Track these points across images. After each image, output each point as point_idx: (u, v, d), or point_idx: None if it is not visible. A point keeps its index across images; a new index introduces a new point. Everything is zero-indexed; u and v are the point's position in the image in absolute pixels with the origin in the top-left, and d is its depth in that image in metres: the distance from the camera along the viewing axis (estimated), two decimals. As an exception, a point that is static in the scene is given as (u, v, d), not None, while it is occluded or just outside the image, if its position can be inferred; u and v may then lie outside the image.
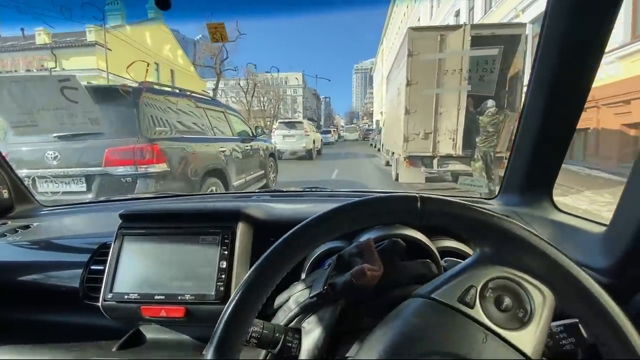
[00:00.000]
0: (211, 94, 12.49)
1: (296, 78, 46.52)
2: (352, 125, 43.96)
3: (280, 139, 10.92)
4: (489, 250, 0.35)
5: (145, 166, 2.54)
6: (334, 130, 25.28)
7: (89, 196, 2.57)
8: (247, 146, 4.24)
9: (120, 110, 2.63)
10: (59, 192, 2.62)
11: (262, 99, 27.22)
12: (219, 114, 4.01)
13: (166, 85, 3.73)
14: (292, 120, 12.99)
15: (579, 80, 0.66)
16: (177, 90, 3.63)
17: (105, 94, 2.62)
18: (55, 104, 0.90)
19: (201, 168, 3.09)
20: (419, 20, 21.06)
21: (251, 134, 4.69)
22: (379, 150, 11.59)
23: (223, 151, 3.52)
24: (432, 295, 0.34)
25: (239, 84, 24.19)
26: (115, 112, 2.62)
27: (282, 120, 12.74)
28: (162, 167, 2.62)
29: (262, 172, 4.77)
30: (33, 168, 2.56)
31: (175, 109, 3.14)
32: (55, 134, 2.49)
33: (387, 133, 8.53)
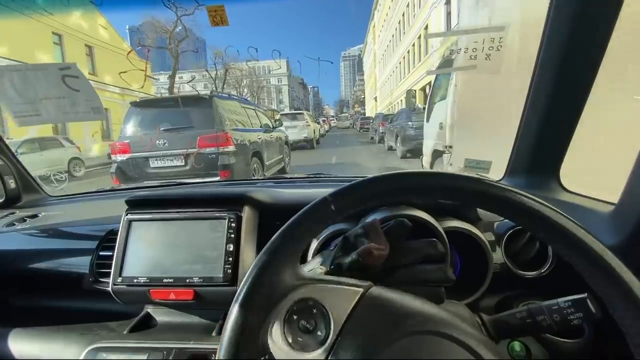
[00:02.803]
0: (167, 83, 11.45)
1: (276, 64, 42.56)
2: (344, 114, 43.61)
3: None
4: None
5: (223, 147, 3.90)
6: (323, 121, 24.60)
7: (187, 168, 3.91)
8: (271, 135, 5.59)
9: (203, 111, 3.99)
10: (165, 166, 3.98)
11: (238, 88, 26.13)
12: (252, 111, 5.38)
13: (228, 94, 5.20)
14: (294, 112, 13.64)
15: (587, 60, 0.65)
16: (227, 95, 5.02)
17: (192, 100, 4.00)
18: (57, 92, 0.89)
19: (250, 150, 4.45)
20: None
21: (271, 126, 6.00)
22: (391, 149, 9.01)
23: (259, 138, 4.91)
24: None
25: (207, 70, 22.36)
26: (199, 112, 3.99)
27: (284, 112, 13.40)
28: (231, 148, 3.95)
29: (281, 156, 6.09)
30: (148, 151, 3.91)
31: (231, 109, 4.54)
32: (162, 128, 3.85)
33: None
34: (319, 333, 0.34)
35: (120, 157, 4.01)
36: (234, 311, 0.33)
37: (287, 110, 15.51)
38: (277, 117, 8.75)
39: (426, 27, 17.47)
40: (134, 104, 4.18)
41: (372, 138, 13.84)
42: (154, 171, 3.96)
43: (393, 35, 27.53)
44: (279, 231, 0.37)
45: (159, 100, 4.36)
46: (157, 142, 3.85)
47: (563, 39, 0.66)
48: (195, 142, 3.83)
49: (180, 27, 12.65)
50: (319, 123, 18.31)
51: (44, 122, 0.92)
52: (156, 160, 3.92)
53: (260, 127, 5.47)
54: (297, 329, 0.35)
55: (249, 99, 26.54)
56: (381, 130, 11.26)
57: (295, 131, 10.77)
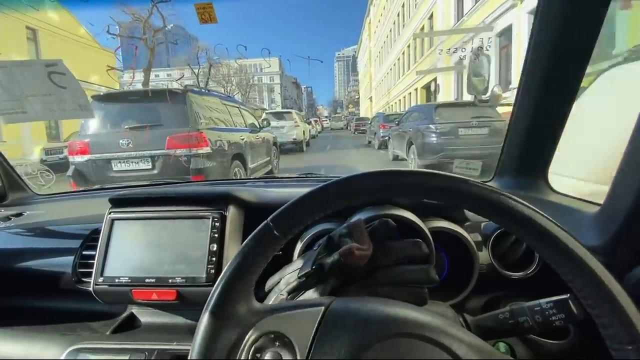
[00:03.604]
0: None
1: (266, 63, 41.54)
2: (337, 115, 43.86)
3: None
4: None
5: (196, 149, 3.47)
6: (315, 121, 23.01)
7: (154, 172, 3.50)
8: (256, 136, 5.29)
9: (174, 107, 3.55)
10: (130, 169, 3.51)
11: (225, 85, 25.25)
12: (235, 109, 4.96)
13: (208, 89, 4.65)
14: (281, 110, 12.99)
15: (574, 63, 0.68)
16: (208, 91, 4.56)
17: (163, 95, 3.53)
18: (43, 89, 0.89)
19: (230, 152, 4.13)
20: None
21: (258, 126, 5.69)
22: (398, 159, 7.52)
23: (242, 139, 4.54)
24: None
25: (189, 64, 20.78)
26: (170, 108, 3.53)
27: (270, 111, 12.57)
28: (206, 149, 3.56)
29: (269, 158, 5.85)
30: (110, 152, 3.44)
31: (209, 105, 4.09)
32: (126, 126, 3.38)
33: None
34: None
35: (78, 159, 3.68)
36: (195, 348, 0.34)
37: (289, 109, 14.67)
38: (263, 116, 8.26)
39: (431, 17, 16.55)
40: (97, 98, 3.86)
41: (369, 142, 12.49)
42: (118, 175, 3.59)
43: (391, 30, 26.54)
44: (224, 272, 0.37)
45: (125, 94, 3.89)
46: (121, 141, 3.40)
47: (550, 41, 0.68)
48: (164, 143, 3.35)
49: (156, 16, 11.15)
50: (309, 123, 17.21)
51: (30, 120, 0.94)
52: (120, 162, 3.50)
53: (246, 126, 5.08)
54: None
55: (238, 97, 25.53)
56: (382, 134, 9.82)
57: (282, 132, 10.02)
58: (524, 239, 0.33)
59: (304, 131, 11.38)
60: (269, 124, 6.46)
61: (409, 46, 20.93)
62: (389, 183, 0.35)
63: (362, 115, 37.83)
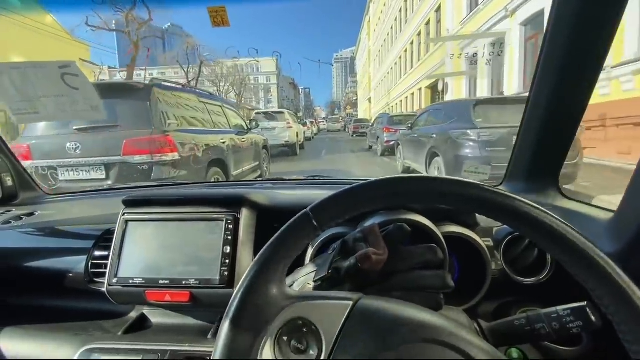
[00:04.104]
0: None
1: (263, 62, 40.70)
2: (335, 116, 43.53)
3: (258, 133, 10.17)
4: None
5: (160, 155, 2.85)
6: (311, 123, 22.12)
7: (108, 182, 2.91)
8: (243, 139, 4.72)
9: (134, 105, 2.92)
10: (79, 179, 2.90)
11: (218, 84, 24.63)
12: (217, 108, 4.35)
13: (174, 82, 4.01)
14: (272, 110, 12.17)
15: (588, 67, 0.67)
16: (181, 86, 3.92)
17: (120, 90, 2.91)
18: (56, 90, 0.92)
19: (206, 158, 3.57)
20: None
21: (245, 127, 5.06)
22: (409, 171, 6.06)
23: (224, 143, 3.97)
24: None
25: (177, 60, 20.16)
26: (129, 106, 2.91)
27: (260, 111, 11.84)
28: (174, 156, 2.96)
29: (257, 163, 5.31)
30: (55, 158, 2.83)
31: (182, 103, 3.47)
32: (75, 127, 2.77)
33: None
34: (311, 352, 0.35)
35: (26, 164, 2.87)
36: (224, 331, 0.35)
37: (281, 109, 13.52)
38: (253, 116, 7.69)
39: (438, 9, 15.55)
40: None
41: (370, 147, 11.41)
42: (66, 185, 2.93)
43: (392, 27, 25.53)
44: (260, 252, 0.38)
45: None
46: (68, 145, 2.78)
47: (563, 47, 0.68)
48: (120, 147, 2.73)
49: (140, 9, 10.43)
50: (304, 124, 16.27)
51: (42, 120, 1.00)
52: (67, 170, 2.88)
53: (230, 128, 4.45)
54: (288, 351, 0.36)
55: (232, 97, 24.78)
56: (386, 138, 8.73)
57: (273, 134, 9.32)
58: (544, 246, 0.34)
59: (297, 133, 10.72)
60: (258, 125, 5.87)
61: (412, 43, 20.07)
62: (431, 190, 0.36)
63: (360, 116, 37.45)
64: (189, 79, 18.50)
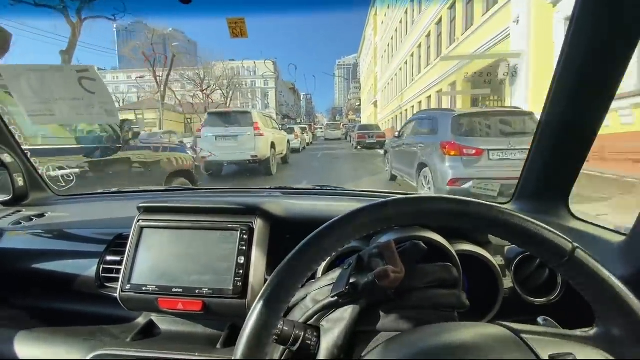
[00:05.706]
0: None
1: (253, 63, 37.93)
2: (335, 122, 40.82)
3: (209, 143, 6.93)
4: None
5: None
6: (303, 129, 16.88)
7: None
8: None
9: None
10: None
11: (200, 84, 23.22)
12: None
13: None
14: (231, 110, 8.92)
15: (603, 84, 0.67)
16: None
17: None
18: (72, 94, 0.94)
19: None
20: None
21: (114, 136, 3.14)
22: (395, 180, 5.83)
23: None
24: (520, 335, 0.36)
25: (144, 54, 18.01)
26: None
27: (213, 111, 8.38)
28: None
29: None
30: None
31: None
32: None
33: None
34: None
35: None
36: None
37: (248, 108, 9.44)
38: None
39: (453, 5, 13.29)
40: None
41: (394, 178, 6.12)
42: None
43: (406, 12, 21.01)
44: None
45: None
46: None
47: (578, 64, 0.68)
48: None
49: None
50: (292, 130, 13.02)
51: (57, 122, 1.08)
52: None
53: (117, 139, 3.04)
54: None
55: (218, 99, 23.41)
56: (451, 173, 3.85)
57: (231, 145, 6.78)
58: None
59: (272, 143, 7.62)
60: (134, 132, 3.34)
61: (428, 35, 16.29)
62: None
63: (363, 122, 33.33)
64: (157, 82, 16.82)
